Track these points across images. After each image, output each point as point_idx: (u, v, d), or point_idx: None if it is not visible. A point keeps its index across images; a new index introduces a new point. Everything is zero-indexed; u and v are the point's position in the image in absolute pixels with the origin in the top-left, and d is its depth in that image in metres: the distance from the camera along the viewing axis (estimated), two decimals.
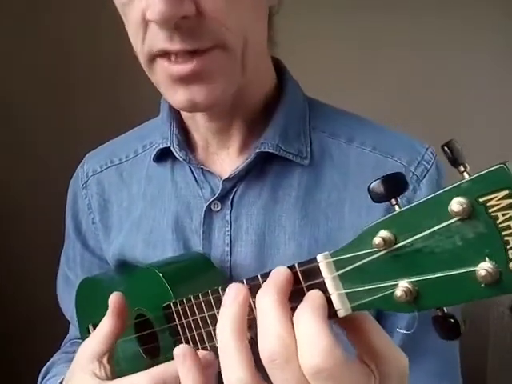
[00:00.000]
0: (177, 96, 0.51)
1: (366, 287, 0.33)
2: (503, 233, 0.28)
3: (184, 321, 0.50)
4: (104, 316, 0.52)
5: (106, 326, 0.51)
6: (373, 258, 0.32)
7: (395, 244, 0.31)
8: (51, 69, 1.82)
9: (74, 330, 0.75)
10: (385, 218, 0.32)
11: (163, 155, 0.64)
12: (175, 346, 0.51)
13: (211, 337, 0.47)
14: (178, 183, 0.64)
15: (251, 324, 0.37)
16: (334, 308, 0.34)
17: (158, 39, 0.47)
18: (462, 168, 0.30)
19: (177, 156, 0.61)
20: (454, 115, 1.65)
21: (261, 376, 0.33)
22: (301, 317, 0.32)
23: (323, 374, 0.30)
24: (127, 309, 0.52)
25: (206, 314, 0.47)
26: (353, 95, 1.43)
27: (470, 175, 0.30)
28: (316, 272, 0.35)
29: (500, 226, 0.28)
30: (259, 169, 0.60)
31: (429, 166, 0.58)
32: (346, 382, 0.30)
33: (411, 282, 0.31)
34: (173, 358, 0.52)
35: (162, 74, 0.50)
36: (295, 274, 0.36)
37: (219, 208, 0.60)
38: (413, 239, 0.31)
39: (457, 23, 1.63)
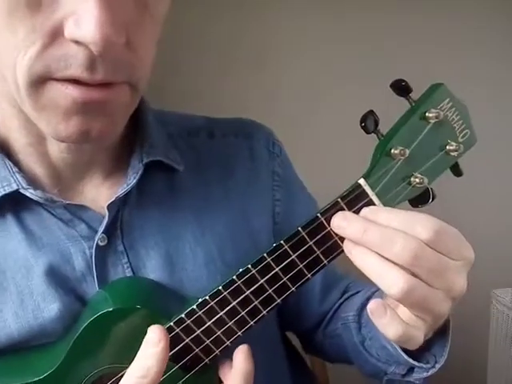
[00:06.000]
0: (69, 126, 0.45)
1: (395, 191, 0.47)
2: (452, 123, 0.48)
3: (193, 335, 0.49)
4: None
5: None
6: (395, 169, 0.47)
7: (408, 151, 0.47)
8: None
9: None
10: (387, 136, 0.47)
11: None
12: (184, 368, 0.50)
13: (231, 332, 0.50)
14: (34, 233, 0.54)
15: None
16: None
17: (75, 65, 0.41)
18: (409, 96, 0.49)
19: (33, 198, 0.52)
20: None
21: None
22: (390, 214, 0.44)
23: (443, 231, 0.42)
24: None
25: (222, 314, 0.49)
26: (352, 97, 1.29)
27: (413, 99, 0.48)
28: (362, 195, 0.46)
29: (450, 118, 0.48)
30: (140, 185, 0.58)
31: (279, 143, 0.70)
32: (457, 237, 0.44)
33: (419, 172, 0.48)
34: None
35: (56, 98, 0.43)
36: (341, 207, 0.46)
37: (107, 241, 0.55)
38: (414, 144, 0.47)
39: (457, 25, 1.63)
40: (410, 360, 0.55)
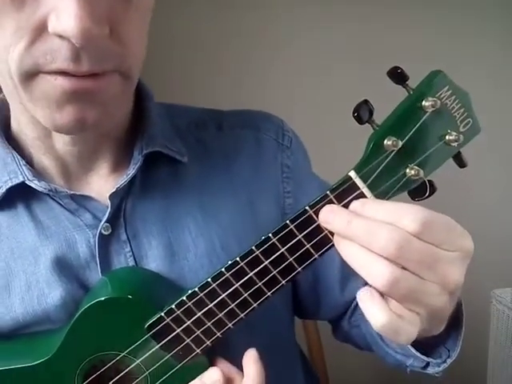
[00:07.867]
0: (63, 115, 0.46)
1: (389, 183, 0.45)
2: (452, 112, 0.46)
3: (184, 326, 0.49)
4: None
5: None
6: (388, 160, 0.45)
7: (401, 142, 0.44)
8: None
9: None
10: (381, 127, 0.45)
11: (8, 196, 0.56)
12: (176, 357, 0.50)
13: (221, 323, 0.49)
14: (43, 222, 0.57)
15: None
16: None
17: (61, 58, 0.42)
18: (406, 84, 0.46)
19: (38, 189, 0.55)
20: None
21: None
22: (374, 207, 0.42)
23: (430, 222, 0.40)
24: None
25: (211, 305, 0.48)
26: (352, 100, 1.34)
27: (411, 87, 0.46)
28: (352, 188, 0.44)
29: (450, 107, 0.45)
30: (143, 177, 0.59)
31: (290, 134, 0.69)
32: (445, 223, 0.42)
33: (415, 163, 0.45)
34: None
35: (47, 90, 0.44)
36: (330, 200, 0.45)
37: (110, 230, 0.57)
38: (409, 135, 0.45)
39: (457, 34, 1.63)
40: (418, 354, 0.54)
